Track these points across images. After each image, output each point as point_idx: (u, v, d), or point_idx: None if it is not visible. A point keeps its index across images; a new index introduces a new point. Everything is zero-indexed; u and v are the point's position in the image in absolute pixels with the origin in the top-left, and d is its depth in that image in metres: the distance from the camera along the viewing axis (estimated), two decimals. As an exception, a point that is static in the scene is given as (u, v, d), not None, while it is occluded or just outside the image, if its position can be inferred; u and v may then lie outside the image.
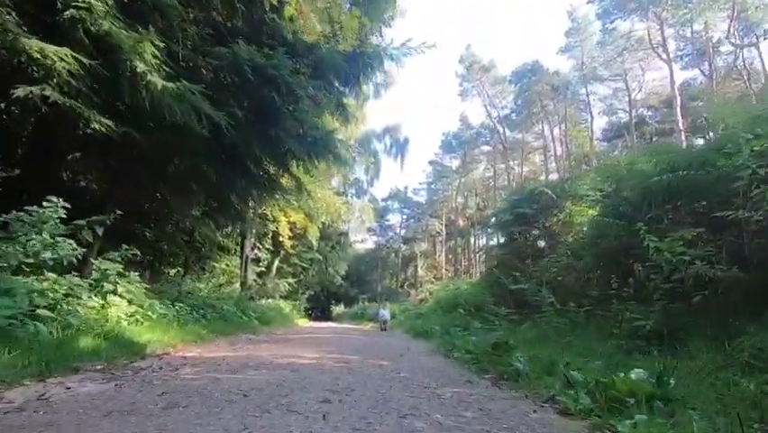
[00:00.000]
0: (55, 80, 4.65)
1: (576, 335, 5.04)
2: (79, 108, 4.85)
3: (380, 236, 44.80)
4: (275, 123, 6.87)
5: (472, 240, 40.03)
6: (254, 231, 17.74)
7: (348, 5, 10.79)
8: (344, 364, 4.27)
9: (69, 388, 2.57)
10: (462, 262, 39.13)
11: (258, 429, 1.85)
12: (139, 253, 5.77)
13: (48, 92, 4.49)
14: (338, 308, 32.09)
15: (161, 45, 5.00)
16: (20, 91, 4.40)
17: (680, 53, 24.83)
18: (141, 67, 4.92)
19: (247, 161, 7.81)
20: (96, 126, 5.07)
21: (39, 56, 4.35)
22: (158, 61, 5.13)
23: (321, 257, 27.56)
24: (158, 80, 5.05)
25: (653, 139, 26.19)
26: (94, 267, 4.95)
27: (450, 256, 40.85)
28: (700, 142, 17.86)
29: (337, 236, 31.41)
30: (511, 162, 36.03)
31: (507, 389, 3.21)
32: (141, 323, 4.93)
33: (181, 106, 5.40)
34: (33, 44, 4.32)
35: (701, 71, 24.61)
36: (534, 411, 2.51)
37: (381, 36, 11.27)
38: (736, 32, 21.30)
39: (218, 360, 4.19)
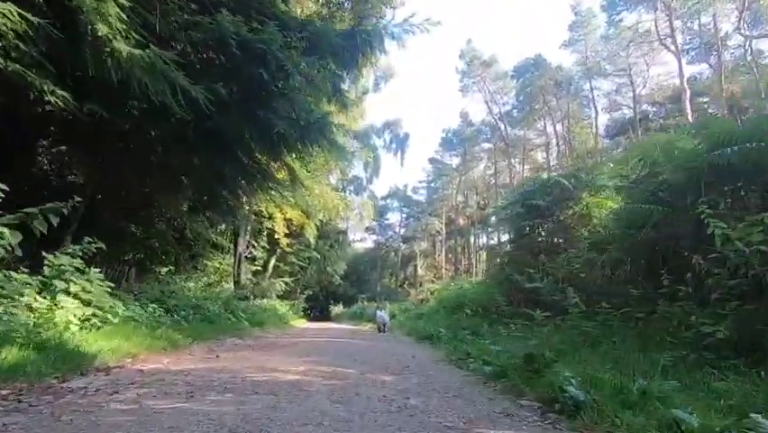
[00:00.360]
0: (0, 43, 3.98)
1: (613, 342, 4.32)
2: (30, 77, 4.16)
3: (380, 235, 44.17)
4: (263, 102, 6.19)
5: (473, 239, 39.48)
6: (249, 228, 17.08)
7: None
8: (337, 382, 3.52)
9: None
10: (463, 262, 38.56)
11: None
12: (102, 246, 5.02)
13: (-12, 56, 3.82)
14: (337, 308, 31.45)
15: (127, 5, 4.30)
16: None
17: (686, 47, 24.30)
18: (103, 30, 4.23)
19: (235, 147, 7.13)
20: (53, 99, 4.38)
21: (-23, 13, 3.68)
22: (124, 26, 4.44)
23: (319, 256, 26.88)
24: (124, 46, 4.37)
25: (659, 135, 25.58)
26: (46, 262, 4.24)
27: (450, 255, 40.22)
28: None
29: (336, 235, 30.77)
30: (512, 160, 35.41)
31: (567, 431, 2.35)
32: (98, 328, 4.25)
33: (153, 79, 4.71)
34: (-30, -2, 3.65)
35: (709, 64, 24.05)
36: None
37: (381, 18, 10.59)
38: (745, 24, 20.70)
39: (180, 376, 3.45)
